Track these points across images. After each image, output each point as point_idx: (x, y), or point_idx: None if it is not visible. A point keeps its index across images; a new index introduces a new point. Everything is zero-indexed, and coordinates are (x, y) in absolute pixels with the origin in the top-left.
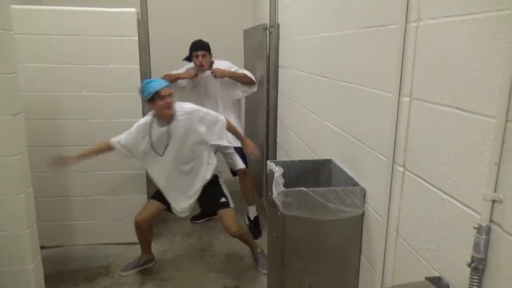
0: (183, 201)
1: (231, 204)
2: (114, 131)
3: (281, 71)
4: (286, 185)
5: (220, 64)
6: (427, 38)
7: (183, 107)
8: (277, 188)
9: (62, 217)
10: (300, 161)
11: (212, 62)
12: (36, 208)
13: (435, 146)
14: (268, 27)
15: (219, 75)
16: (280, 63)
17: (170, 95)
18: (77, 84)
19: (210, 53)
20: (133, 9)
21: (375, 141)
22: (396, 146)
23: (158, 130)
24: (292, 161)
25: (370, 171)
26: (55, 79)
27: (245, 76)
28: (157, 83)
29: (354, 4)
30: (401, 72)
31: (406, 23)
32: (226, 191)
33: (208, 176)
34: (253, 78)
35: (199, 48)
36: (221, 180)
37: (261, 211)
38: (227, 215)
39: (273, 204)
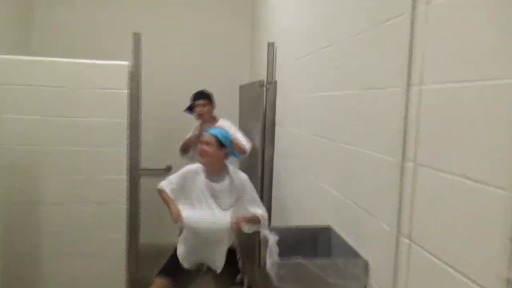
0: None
1: (245, 284)
2: (97, 188)
3: (277, 130)
4: (281, 252)
5: (222, 123)
6: (431, 103)
7: (236, 171)
8: (271, 259)
9: (32, 281)
10: (297, 228)
11: (215, 118)
12: (4, 270)
13: (443, 217)
14: (265, 84)
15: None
16: (277, 122)
17: (208, 143)
18: (60, 137)
19: (211, 104)
20: (125, 62)
21: (378, 208)
22: (401, 215)
23: (202, 180)
24: (288, 228)
25: (373, 241)
26: (38, 131)
27: (238, 145)
28: (211, 130)
29: (355, 64)
30: (404, 136)
31: (408, 85)
32: (241, 268)
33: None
34: (246, 147)
35: (199, 98)
36: (238, 256)
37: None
38: None
39: (266, 275)
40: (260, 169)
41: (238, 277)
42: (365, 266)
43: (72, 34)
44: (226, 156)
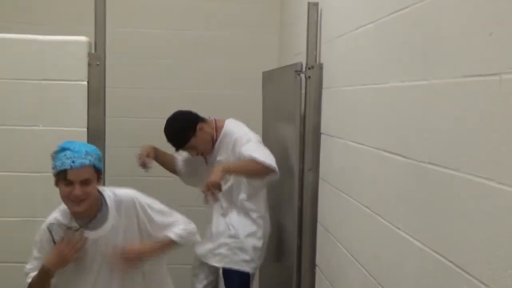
0: None
1: None
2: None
3: (324, 142)
4: None
5: (228, 129)
6: None
7: (116, 193)
8: None
9: None
10: None
11: (216, 130)
12: None
13: None
14: (304, 69)
15: (215, 189)
16: (323, 129)
17: (87, 181)
18: None
19: (193, 134)
20: (82, 38)
21: (490, 271)
22: None
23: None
24: None
25: None
26: None
27: (252, 164)
28: (69, 157)
29: (448, 38)
30: None
31: None
32: None
33: None
34: (266, 162)
35: (174, 146)
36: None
37: None
38: None
39: None
40: (297, 204)
41: None
42: None
43: None
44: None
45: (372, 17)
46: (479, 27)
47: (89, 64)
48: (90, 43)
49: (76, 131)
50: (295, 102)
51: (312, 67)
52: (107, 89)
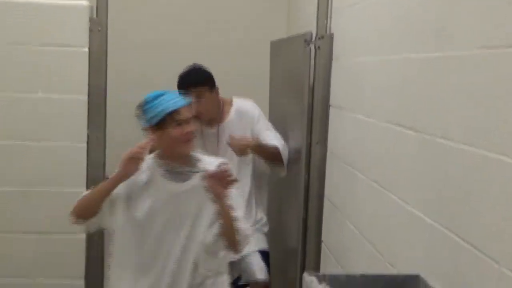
0: None
1: None
2: (39, 207)
3: (333, 115)
4: None
5: (242, 105)
6: None
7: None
8: None
9: None
10: (363, 275)
11: (225, 102)
12: None
13: None
14: (313, 39)
15: (239, 151)
16: (332, 101)
17: (191, 120)
18: None
19: (212, 89)
20: (83, 2)
21: (501, 248)
22: None
23: (165, 187)
24: (349, 276)
25: None
26: None
27: (275, 153)
28: (172, 98)
29: (464, 8)
30: None
31: None
32: None
33: None
34: (284, 157)
35: (188, 84)
36: None
37: None
38: None
39: None
40: (304, 178)
41: None
42: None
43: None
44: None
45: None
46: None
47: (91, 30)
48: (91, 8)
49: (76, 99)
50: (303, 73)
51: (322, 37)
52: (108, 56)
